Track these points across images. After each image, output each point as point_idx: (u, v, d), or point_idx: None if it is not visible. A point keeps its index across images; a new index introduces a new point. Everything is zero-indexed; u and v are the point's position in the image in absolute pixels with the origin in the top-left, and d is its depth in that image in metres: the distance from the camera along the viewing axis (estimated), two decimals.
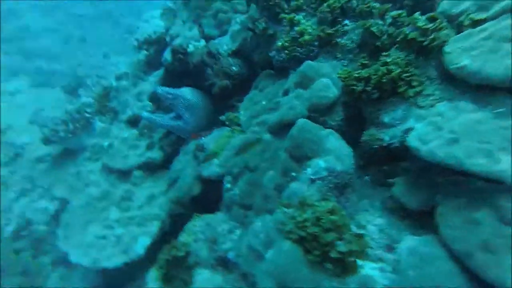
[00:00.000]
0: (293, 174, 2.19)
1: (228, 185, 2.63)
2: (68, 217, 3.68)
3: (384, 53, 2.19)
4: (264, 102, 2.85)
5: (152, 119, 3.49)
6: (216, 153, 3.02)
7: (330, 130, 2.24)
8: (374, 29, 2.31)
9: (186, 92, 3.54)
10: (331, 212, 1.75)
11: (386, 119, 2.05)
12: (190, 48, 3.53)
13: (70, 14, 15.38)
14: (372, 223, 1.94)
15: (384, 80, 1.99)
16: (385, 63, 2.07)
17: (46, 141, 4.38)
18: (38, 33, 12.77)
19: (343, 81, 2.24)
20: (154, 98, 4.30)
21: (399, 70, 1.98)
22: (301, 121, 2.27)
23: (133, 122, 4.39)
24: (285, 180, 2.26)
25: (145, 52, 5.30)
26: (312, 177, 2.08)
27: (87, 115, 4.62)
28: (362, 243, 1.73)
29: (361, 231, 1.89)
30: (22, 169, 6.01)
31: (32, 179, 5.24)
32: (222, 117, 3.32)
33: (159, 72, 4.36)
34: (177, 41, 3.84)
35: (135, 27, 14.44)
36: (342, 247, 1.62)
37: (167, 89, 3.47)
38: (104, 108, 5.06)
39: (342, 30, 2.55)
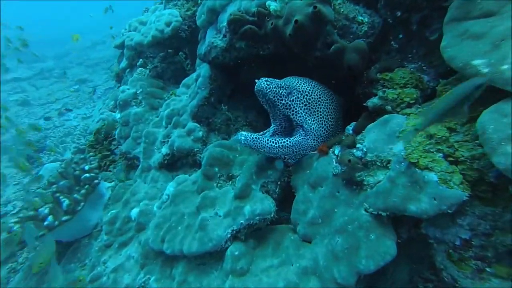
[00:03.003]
0: None
1: None
2: None
3: None
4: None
5: (260, 142, 1.84)
6: (415, 161, 1.51)
7: None
8: None
9: (300, 82, 1.98)
10: None
11: None
12: (274, 6, 1.98)
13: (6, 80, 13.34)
14: None
15: None
16: None
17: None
18: None
19: None
20: (201, 116, 2.63)
21: None
22: None
23: (171, 164, 2.64)
24: None
25: (142, 65, 3.64)
26: None
27: (87, 175, 2.76)
28: None
29: None
30: None
31: None
32: (373, 101, 1.81)
33: (197, 74, 2.71)
34: (232, 9, 2.27)
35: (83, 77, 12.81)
36: None
37: (275, 81, 1.87)
38: (107, 158, 3.23)
39: None
